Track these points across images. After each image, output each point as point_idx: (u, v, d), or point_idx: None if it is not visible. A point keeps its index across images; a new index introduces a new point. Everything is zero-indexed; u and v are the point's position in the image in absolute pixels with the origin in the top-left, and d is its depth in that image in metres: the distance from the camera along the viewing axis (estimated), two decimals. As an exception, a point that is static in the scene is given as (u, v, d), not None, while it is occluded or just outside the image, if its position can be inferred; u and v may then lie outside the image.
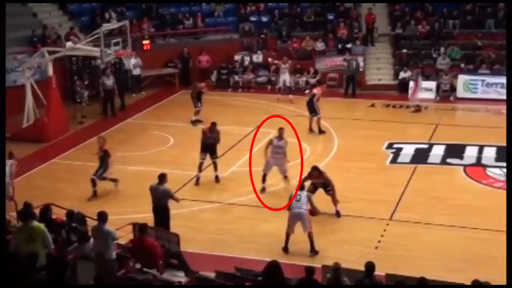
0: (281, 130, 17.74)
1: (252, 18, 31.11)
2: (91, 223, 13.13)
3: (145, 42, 28.61)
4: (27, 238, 11.28)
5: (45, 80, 23.01)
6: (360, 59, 27.90)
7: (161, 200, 14.58)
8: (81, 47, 23.10)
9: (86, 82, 25.90)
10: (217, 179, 18.33)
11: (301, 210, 14.43)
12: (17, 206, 15.17)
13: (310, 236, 14.40)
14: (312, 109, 22.25)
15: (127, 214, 15.42)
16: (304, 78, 27.89)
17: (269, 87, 28.16)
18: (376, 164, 19.62)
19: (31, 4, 28.63)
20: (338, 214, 16.26)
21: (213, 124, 18.40)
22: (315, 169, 16.39)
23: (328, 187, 16.26)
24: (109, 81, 24.62)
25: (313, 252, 14.37)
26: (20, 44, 26.43)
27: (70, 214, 13.57)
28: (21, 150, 20.17)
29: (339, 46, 29.28)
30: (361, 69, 27.75)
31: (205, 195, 17.59)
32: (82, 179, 18.22)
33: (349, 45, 29.06)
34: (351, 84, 26.95)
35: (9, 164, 16.41)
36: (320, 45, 29.34)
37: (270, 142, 17.61)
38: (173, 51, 29.33)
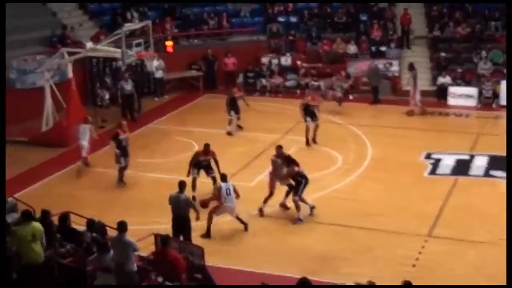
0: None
1: (280, 19, 30.53)
2: (111, 233, 12.95)
3: (168, 43, 27.87)
4: (31, 238, 11.41)
5: (65, 82, 22.70)
6: (395, 63, 27.54)
7: (183, 209, 14.36)
8: (102, 48, 22.52)
9: (108, 83, 25.50)
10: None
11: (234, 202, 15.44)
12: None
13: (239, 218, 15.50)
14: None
15: (149, 224, 15.11)
16: (338, 83, 26.56)
17: (298, 91, 27.35)
18: (413, 175, 19.00)
19: (50, 4, 28.29)
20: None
21: (207, 146, 17.40)
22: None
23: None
24: (128, 86, 24.29)
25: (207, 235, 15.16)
26: (39, 45, 26.12)
27: (90, 223, 13.39)
28: (39, 155, 20.76)
29: (373, 49, 28.61)
30: (396, 74, 27.24)
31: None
32: (103, 186, 18.38)
33: (383, 48, 28.49)
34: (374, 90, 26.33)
35: (86, 128, 19.45)
36: (352, 48, 28.67)
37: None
38: (197, 52, 28.76)
